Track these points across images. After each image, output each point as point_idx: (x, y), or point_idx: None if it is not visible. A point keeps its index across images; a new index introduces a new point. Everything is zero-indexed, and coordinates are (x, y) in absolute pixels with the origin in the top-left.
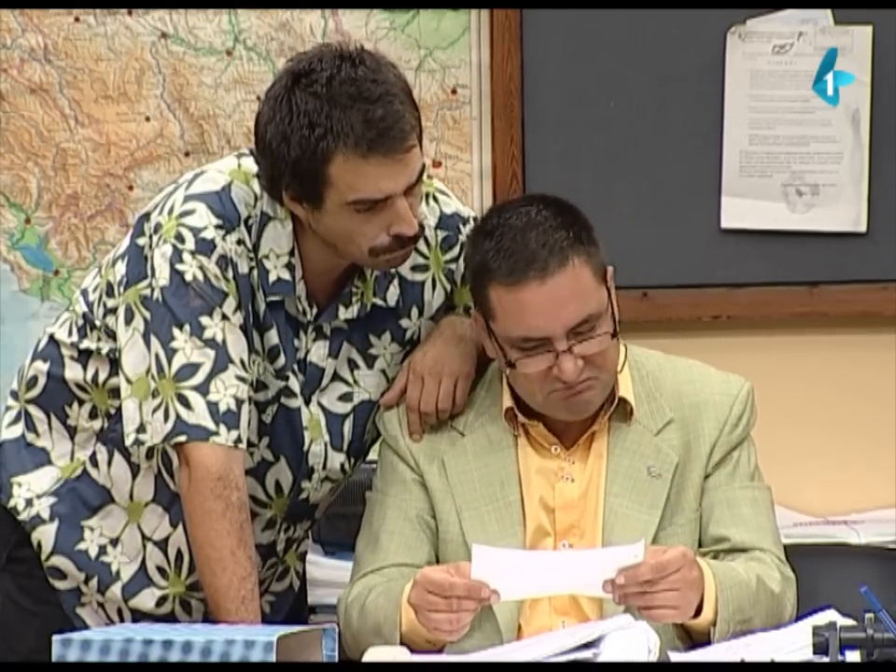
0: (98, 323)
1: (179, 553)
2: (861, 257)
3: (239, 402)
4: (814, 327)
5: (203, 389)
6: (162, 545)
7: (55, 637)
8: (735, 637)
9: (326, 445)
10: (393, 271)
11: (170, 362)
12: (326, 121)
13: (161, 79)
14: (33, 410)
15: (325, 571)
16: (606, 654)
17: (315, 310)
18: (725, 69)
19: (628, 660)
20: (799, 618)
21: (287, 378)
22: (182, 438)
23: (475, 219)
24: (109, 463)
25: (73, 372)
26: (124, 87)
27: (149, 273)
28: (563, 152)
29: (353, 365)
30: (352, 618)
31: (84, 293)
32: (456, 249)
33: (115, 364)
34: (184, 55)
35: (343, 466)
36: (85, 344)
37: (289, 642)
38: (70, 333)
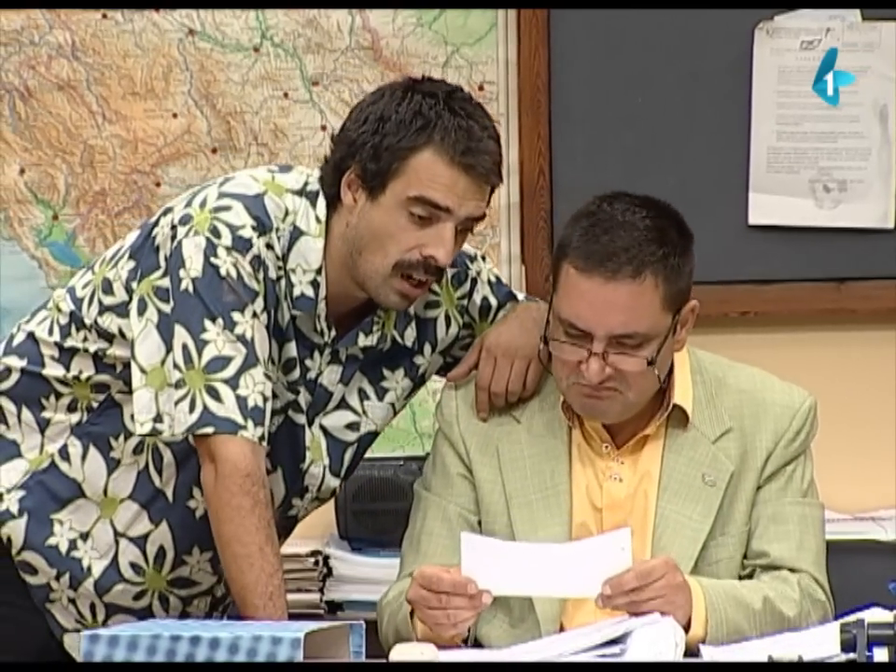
0: (88, 322)
1: (161, 550)
2: (889, 253)
3: (265, 400)
4: (842, 323)
5: (233, 383)
6: (140, 542)
7: (83, 633)
8: None
9: (325, 469)
10: (411, 311)
11: (200, 353)
12: (434, 117)
13: (189, 76)
14: (3, 402)
15: (351, 567)
16: (633, 649)
17: (332, 332)
18: (753, 65)
19: (655, 654)
20: (843, 614)
21: (297, 392)
22: (209, 429)
23: (483, 257)
24: (84, 457)
25: (53, 371)
26: (151, 83)
27: (170, 263)
28: (590, 148)
29: (363, 395)
30: (382, 620)
31: (71, 291)
32: (467, 285)
33: (100, 363)
34: (211, 52)
35: (335, 489)
36: (69, 343)
37: (316, 638)
38: (51, 332)
